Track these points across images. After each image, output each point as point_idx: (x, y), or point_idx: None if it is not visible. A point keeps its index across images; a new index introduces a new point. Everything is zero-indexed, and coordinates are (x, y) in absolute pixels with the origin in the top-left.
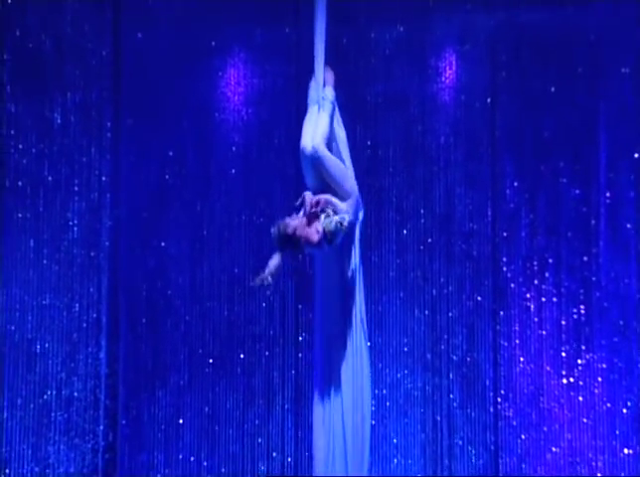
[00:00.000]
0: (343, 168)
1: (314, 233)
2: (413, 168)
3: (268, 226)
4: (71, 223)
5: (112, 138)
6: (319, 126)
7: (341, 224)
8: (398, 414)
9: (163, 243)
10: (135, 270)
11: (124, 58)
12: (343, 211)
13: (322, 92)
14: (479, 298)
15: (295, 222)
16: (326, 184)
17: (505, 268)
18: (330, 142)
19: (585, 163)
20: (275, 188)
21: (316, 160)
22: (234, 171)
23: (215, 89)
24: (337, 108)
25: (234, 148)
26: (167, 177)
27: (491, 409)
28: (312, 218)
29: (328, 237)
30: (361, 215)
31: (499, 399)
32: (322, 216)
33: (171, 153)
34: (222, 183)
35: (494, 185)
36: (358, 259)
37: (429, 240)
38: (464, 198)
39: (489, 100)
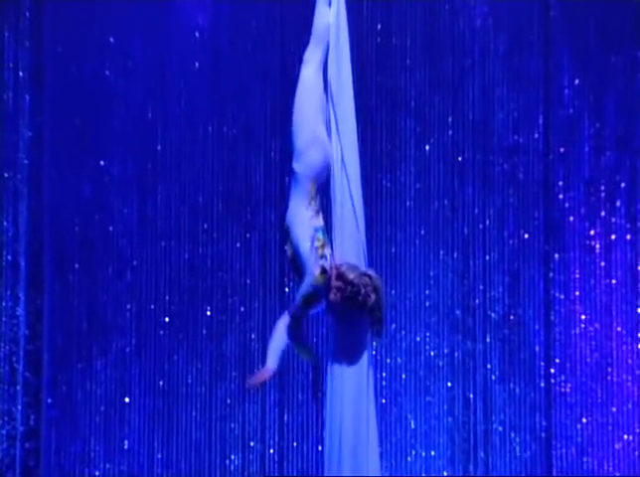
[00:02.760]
0: (309, 107)
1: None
2: (439, 61)
3: (243, 139)
4: None
5: (32, 19)
6: (314, 23)
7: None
8: (417, 391)
9: (102, 162)
10: (65, 198)
11: None
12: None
13: None
14: (526, 236)
15: None
16: None
17: (561, 196)
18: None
19: None
20: (253, 89)
21: None
22: (197, 65)
23: None
24: None
25: (197, 34)
26: (107, 73)
27: (542, 384)
28: None
29: None
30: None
31: (552, 371)
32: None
33: (112, 39)
34: (181, 81)
35: (547, 83)
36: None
37: (460, 159)
38: (507, 101)
39: None
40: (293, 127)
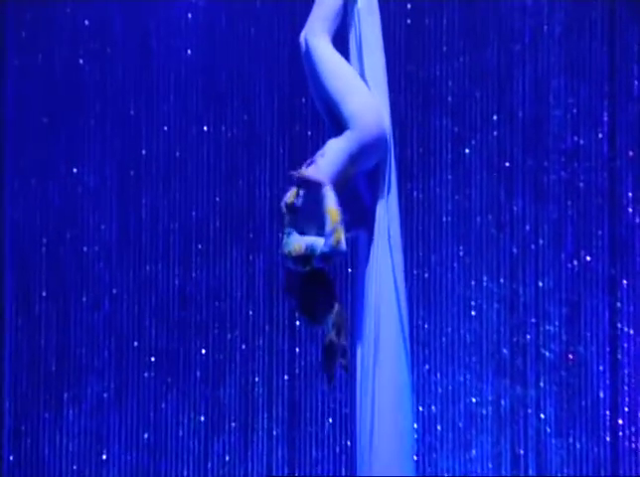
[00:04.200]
0: (344, 70)
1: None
2: (480, 43)
3: (245, 142)
4: None
5: None
6: None
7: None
8: (455, 446)
9: (75, 169)
10: (30, 211)
11: None
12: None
13: None
14: (588, 258)
15: None
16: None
17: (630, 209)
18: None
19: None
20: (257, 80)
21: (305, 61)
22: (189, 52)
23: None
24: None
25: (189, 14)
26: (81, 61)
27: (607, 438)
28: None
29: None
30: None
31: (620, 422)
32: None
33: (87, 22)
34: (170, 71)
35: (612, 69)
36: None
37: (507, 165)
38: (564, 95)
39: None
40: (336, 96)
